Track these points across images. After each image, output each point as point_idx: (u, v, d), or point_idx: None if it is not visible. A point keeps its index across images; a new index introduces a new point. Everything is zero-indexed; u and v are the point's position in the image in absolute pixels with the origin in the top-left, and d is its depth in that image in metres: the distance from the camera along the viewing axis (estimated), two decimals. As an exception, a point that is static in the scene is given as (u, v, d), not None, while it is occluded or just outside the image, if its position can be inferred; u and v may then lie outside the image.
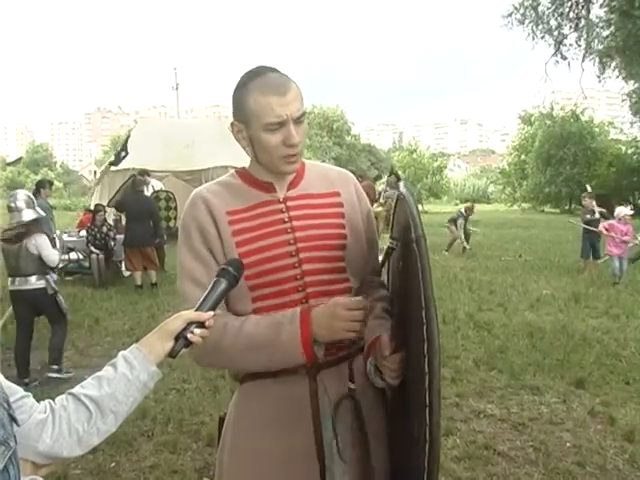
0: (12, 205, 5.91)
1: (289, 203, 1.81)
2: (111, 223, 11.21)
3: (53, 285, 6.04)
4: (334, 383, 1.78)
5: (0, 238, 6.04)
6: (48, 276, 6.02)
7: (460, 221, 15.55)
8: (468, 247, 15.12)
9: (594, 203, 11.99)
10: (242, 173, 1.87)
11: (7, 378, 1.14)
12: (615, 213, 11.29)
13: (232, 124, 1.78)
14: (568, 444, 4.33)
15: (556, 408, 5.00)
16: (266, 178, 1.82)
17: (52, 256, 5.96)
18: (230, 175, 1.90)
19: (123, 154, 10.82)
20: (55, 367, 6.00)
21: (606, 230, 10.95)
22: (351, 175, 1.98)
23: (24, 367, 5.95)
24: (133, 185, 10.76)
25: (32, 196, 6.33)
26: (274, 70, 1.72)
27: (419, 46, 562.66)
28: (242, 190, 1.83)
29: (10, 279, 6.01)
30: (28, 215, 5.93)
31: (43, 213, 6.41)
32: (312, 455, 1.77)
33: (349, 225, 1.84)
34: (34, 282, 5.91)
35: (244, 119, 1.72)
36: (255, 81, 1.69)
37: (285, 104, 1.67)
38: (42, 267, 5.92)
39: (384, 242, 1.89)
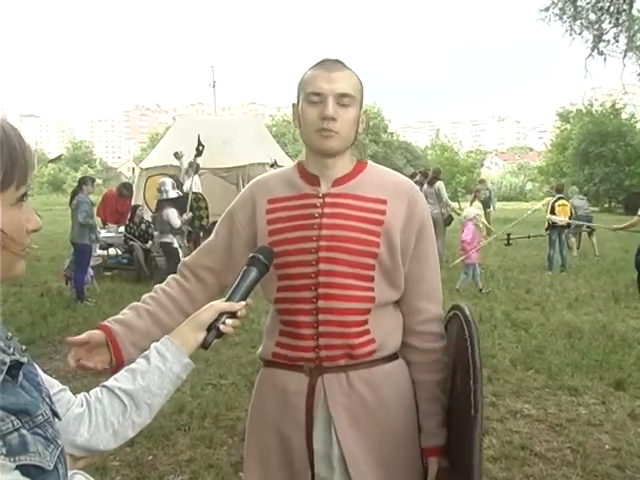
0: (162, 189, 9.14)
1: (327, 199, 1.78)
2: (149, 220, 11.31)
3: (177, 241, 9.21)
4: (336, 390, 1.76)
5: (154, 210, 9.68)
6: (171, 234, 9.11)
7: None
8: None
9: None
10: (299, 163, 1.89)
11: (44, 371, 1.15)
12: None
13: (292, 105, 1.84)
14: (607, 446, 4.24)
15: (595, 409, 4.91)
16: (313, 170, 1.83)
17: (175, 221, 9.05)
18: (293, 165, 1.93)
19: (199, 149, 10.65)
20: None
21: None
22: (410, 187, 1.85)
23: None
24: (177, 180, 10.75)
25: (174, 182, 9.57)
26: (338, 60, 1.76)
27: (456, 43, 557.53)
28: (292, 180, 1.86)
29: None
30: (173, 194, 9.20)
31: (181, 193, 9.47)
32: (303, 452, 1.79)
33: (385, 235, 1.75)
34: (161, 238, 9.25)
35: (297, 94, 1.78)
36: (316, 64, 1.77)
37: (328, 80, 1.69)
38: (167, 228, 9.07)
39: None
